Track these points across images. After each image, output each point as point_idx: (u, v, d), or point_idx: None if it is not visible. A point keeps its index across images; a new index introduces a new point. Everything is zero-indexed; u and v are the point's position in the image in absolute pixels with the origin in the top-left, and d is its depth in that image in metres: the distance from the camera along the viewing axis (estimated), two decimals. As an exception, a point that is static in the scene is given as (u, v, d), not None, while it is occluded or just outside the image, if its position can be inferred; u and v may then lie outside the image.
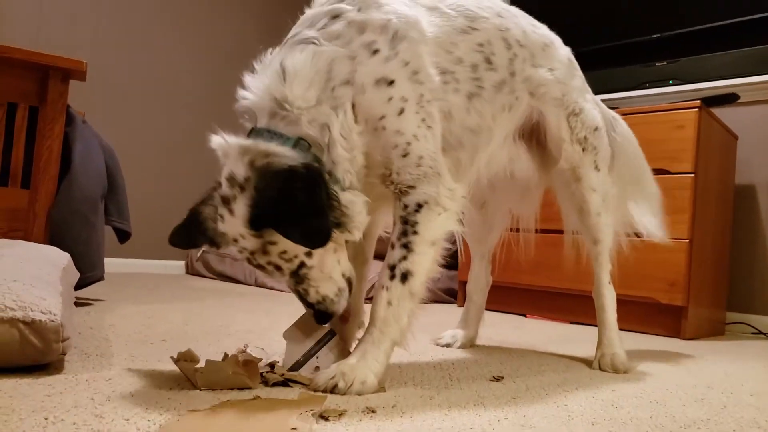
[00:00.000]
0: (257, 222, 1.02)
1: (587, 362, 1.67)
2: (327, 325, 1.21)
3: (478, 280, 1.85)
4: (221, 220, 1.06)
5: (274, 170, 1.01)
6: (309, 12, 1.20)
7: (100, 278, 2.09)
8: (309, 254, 1.08)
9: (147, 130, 4.03)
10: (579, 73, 1.60)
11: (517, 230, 2.20)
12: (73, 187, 1.97)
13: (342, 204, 1.07)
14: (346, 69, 1.10)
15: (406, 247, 1.15)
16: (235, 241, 1.06)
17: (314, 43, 1.11)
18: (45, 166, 1.93)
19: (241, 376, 1.06)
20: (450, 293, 3.56)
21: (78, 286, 2.01)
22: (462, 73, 1.27)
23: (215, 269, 3.95)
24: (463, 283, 3.11)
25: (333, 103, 1.09)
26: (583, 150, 1.56)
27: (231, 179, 1.04)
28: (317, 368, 1.18)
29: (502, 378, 1.36)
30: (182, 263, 4.29)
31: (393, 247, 1.17)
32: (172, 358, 1.07)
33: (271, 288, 3.37)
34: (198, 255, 4.15)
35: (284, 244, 1.05)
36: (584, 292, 2.22)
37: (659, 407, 1.19)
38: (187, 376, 1.06)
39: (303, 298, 1.14)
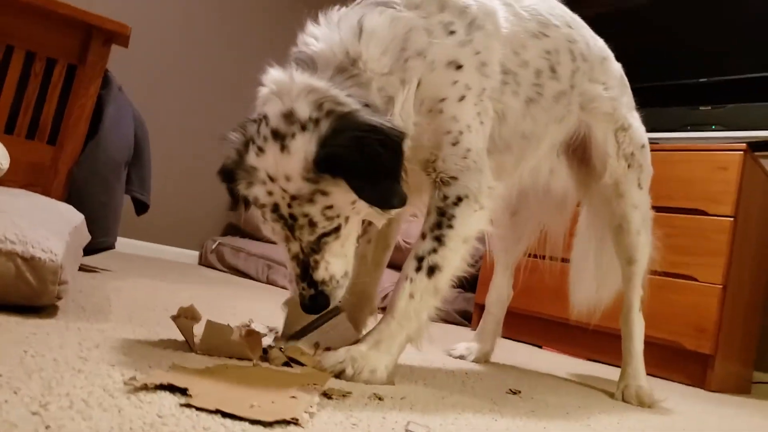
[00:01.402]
0: (325, 164, 0.91)
1: (609, 393, 1.55)
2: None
3: (500, 292, 1.75)
4: (258, 153, 0.93)
5: (355, 118, 0.92)
6: None
7: (111, 245, 2.04)
8: (347, 220, 0.98)
9: (179, 117, 4.03)
10: (629, 90, 1.56)
11: (542, 257, 2.13)
12: (99, 149, 1.93)
13: None
14: (421, 42, 1.05)
15: (439, 240, 1.07)
16: (272, 180, 0.92)
17: (394, 8, 1.05)
18: (74, 123, 1.91)
19: (241, 345, 0.98)
20: (465, 316, 3.44)
21: (88, 251, 1.96)
22: (525, 76, 1.23)
23: (228, 262, 3.90)
24: (480, 306, 3.01)
25: (402, 75, 1.03)
26: (629, 166, 1.49)
27: (288, 115, 0.92)
28: (317, 344, 1.09)
29: (520, 392, 1.25)
30: (196, 253, 4.25)
31: (424, 237, 1.09)
32: (172, 317, 1.00)
33: (283, 287, 3.30)
34: (213, 246, 4.11)
35: (336, 197, 0.94)
36: (606, 328, 2.11)
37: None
38: (185, 336, 0.98)
39: (305, 274, 0.99)
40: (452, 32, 1.08)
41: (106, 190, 1.96)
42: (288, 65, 1.02)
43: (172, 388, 0.69)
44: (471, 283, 3.40)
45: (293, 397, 0.74)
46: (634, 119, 1.53)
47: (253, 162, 0.94)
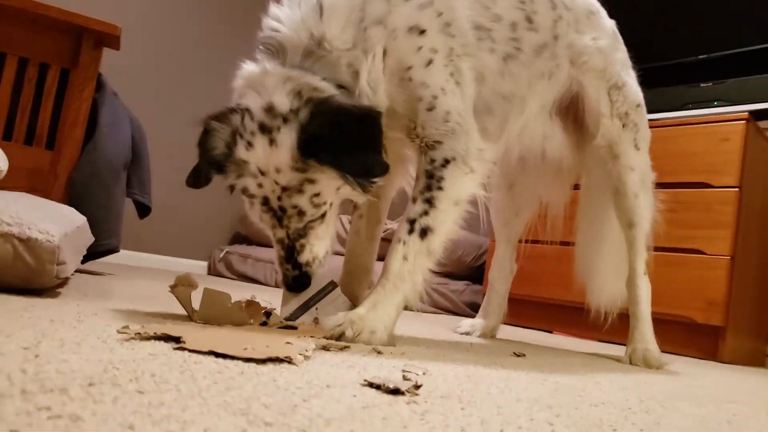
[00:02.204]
0: (308, 149, 0.94)
1: (616, 359, 1.53)
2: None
3: (502, 266, 1.74)
4: (248, 148, 0.96)
5: (331, 103, 0.95)
6: None
7: (116, 248, 2.05)
8: (331, 205, 1.03)
9: (177, 122, 4.05)
10: (623, 47, 1.52)
11: (545, 242, 2.11)
12: (97, 151, 1.95)
13: None
14: (380, 9, 1.05)
15: (429, 202, 1.07)
16: (263, 173, 0.96)
17: None
18: (71, 128, 1.93)
19: (241, 312, 0.98)
20: (473, 308, 3.42)
21: (93, 255, 1.98)
22: (499, 31, 1.20)
23: (237, 270, 3.91)
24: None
25: (364, 45, 1.03)
26: (623, 126, 1.46)
27: (269, 109, 0.95)
28: (317, 320, 1.09)
29: (524, 355, 1.24)
30: (205, 264, 4.26)
31: (414, 201, 1.09)
32: (169, 286, 1.00)
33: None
34: (221, 255, 4.12)
35: (323, 184, 0.98)
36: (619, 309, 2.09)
37: (698, 398, 1.06)
38: (183, 304, 0.98)
39: (289, 256, 1.04)
40: None
41: (106, 193, 1.97)
42: (257, 53, 1.04)
43: (166, 338, 0.69)
44: (478, 275, 3.40)
45: (288, 342, 0.74)
46: (629, 77, 1.50)
47: (243, 155, 0.97)
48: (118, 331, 0.68)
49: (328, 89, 0.98)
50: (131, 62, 3.28)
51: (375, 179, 1.00)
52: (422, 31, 1.07)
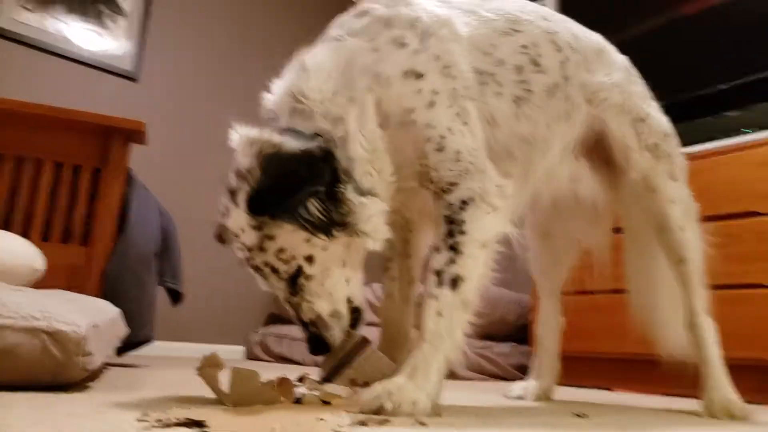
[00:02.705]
0: (255, 205, 0.95)
1: (693, 413, 1.38)
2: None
3: (548, 321, 1.64)
4: (226, 214, 1.00)
5: (278, 153, 0.96)
6: (341, 17, 1.17)
7: (149, 338, 2.03)
8: (309, 259, 0.99)
9: (206, 207, 4.13)
10: (639, 79, 1.48)
11: (591, 292, 1.99)
12: (127, 244, 1.98)
13: (349, 201, 0.98)
14: (367, 60, 1.04)
15: (454, 249, 1.01)
16: (236, 236, 0.99)
17: (337, 40, 1.08)
18: (103, 223, 1.96)
19: (271, 390, 0.92)
20: (523, 370, 3.23)
21: (127, 347, 1.96)
22: (504, 75, 1.18)
23: (274, 352, 3.83)
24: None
25: (350, 94, 1.02)
26: (655, 158, 1.40)
27: (237, 171, 0.99)
28: (353, 381, 1.02)
29: (587, 415, 1.13)
30: (242, 348, 4.21)
31: (438, 250, 1.03)
32: (196, 368, 0.95)
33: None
34: (257, 339, 4.07)
35: (282, 240, 0.97)
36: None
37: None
38: (211, 387, 0.93)
39: (298, 318, 1.04)
40: (403, 44, 1.06)
41: (138, 284, 1.98)
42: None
43: (189, 424, 0.64)
44: (524, 335, 3.24)
45: (321, 419, 0.67)
46: (651, 108, 1.44)
47: (225, 222, 1.01)
48: (138, 420, 0.63)
49: (286, 141, 0.98)
50: (160, 155, 3.39)
51: (327, 221, 0.96)
52: (420, 75, 1.05)
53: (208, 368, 0.93)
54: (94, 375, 1.25)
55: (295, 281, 0.99)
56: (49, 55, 3.28)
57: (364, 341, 1.06)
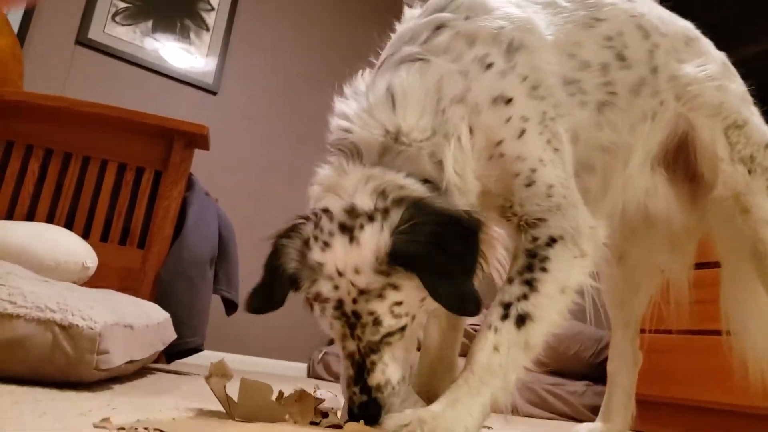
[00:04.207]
0: (401, 257, 0.82)
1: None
2: None
3: (623, 355, 1.43)
4: (324, 248, 0.85)
5: (428, 206, 0.85)
6: (404, 26, 1.05)
7: (200, 346, 1.99)
8: (413, 319, 0.87)
9: (268, 219, 4.16)
10: (738, 78, 1.27)
11: (668, 332, 1.74)
12: (183, 248, 1.97)
13: None
14: (457, 85, 0.94)
15: (530, 284, 0.89)
16: (340, 274, 0.84)
17: (420, 59, 0.95)
18: (160, 226, 1.97)
19: (281, 407, 0.82)
20: (596, 412, 2.94)
21: (177, 353, 1.94)
22: (589, 80, 1.06)
23: (334, 371, 3.75)
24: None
25: (445, 129, 0.92)
26: (750, 172, 1.19)
27: (350, 210, 0.85)
28: None
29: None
30: (305, 366, 4.16)
31: (511, 282, 0.91)
32: (204, 376, 0.86)
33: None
34: (320, 357, 4.01)
35: (406, 294, 0.84)
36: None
37: None
38: (218, 398, 0.84)
39: (359, 377, 0.87)
40: (489, 65, 0.95)
41: (191, 290, 1.96)
42: (329, 156, 0.95)
43: (156, 436, 0.54)
44: (601, 374, 2.95)
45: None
46: (752, 114, 1.24)
47: (317, 258, 0.85)
48: (95, 425, 0.54)
49: (414, 186, 0.87)
50: (224, 161, 3.44)
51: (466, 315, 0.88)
52: (509, 100, 0.94)
53: (215, 377, 0.84)
54: (123, 376, 1.21)
55: (383, 340, 0.86)
56: (137, 68, 3.45)
57: None
